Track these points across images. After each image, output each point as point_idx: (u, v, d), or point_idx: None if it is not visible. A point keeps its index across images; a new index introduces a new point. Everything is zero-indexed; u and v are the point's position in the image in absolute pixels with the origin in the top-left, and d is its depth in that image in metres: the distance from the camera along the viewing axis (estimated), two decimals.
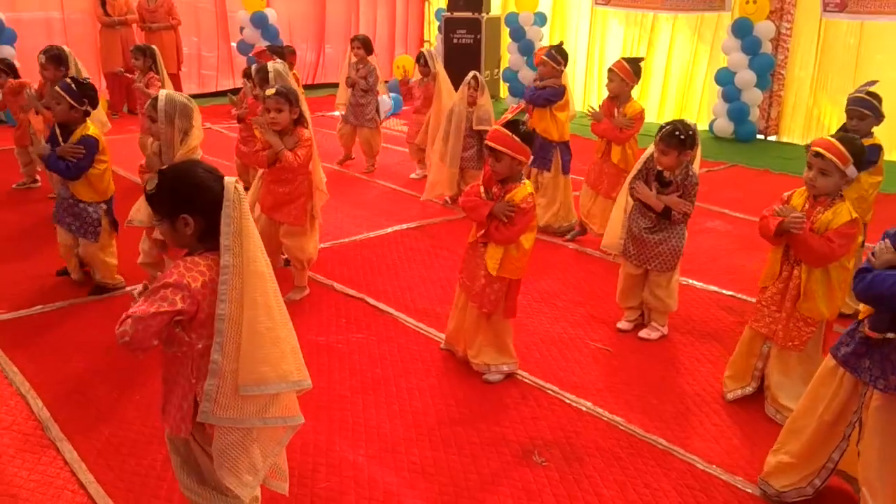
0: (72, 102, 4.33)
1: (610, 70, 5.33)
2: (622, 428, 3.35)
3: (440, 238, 5.86)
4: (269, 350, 2.20)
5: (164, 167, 2.28)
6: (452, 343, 3.95)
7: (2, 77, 6.45)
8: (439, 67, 7.05)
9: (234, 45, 11.74)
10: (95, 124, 4.63)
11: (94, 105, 4.50)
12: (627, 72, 5.23)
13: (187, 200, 2.15)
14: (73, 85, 4.38)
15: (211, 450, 2.26)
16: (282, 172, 4.32)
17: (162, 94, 4.03)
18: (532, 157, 5.64)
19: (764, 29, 8.97)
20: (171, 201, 2.17)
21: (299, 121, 4.35)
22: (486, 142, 3.50)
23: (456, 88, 6.64)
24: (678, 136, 3.88)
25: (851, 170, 3.12)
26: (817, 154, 3.13)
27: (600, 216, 5.53)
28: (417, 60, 7.31)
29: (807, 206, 3.26)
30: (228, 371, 2.15)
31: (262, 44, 9.88)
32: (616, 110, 5.33)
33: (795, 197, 3.34)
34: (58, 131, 4.45)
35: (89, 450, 3.08)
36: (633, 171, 4.14)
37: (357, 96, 7.62)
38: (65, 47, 5.92)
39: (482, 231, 3.59)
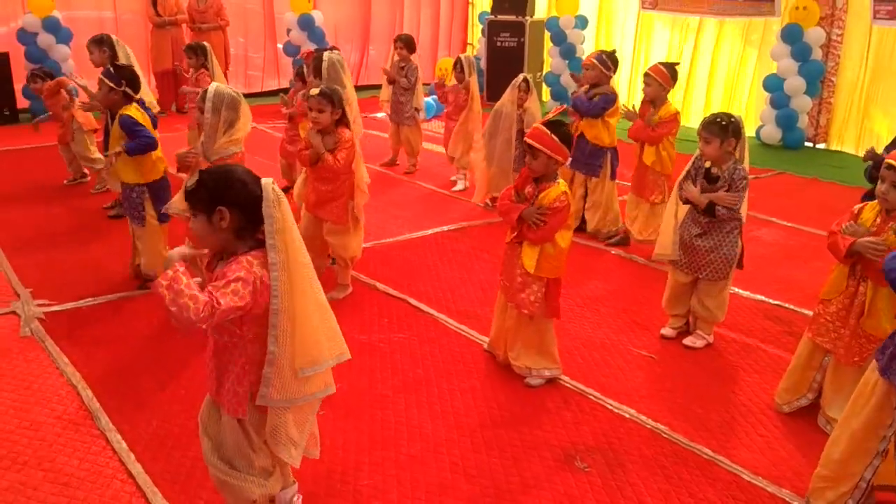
0: (111, 85, 4.46)
1: (646, 74, 5.29)
2: (666, 436, 3.30)
3: (481, 240, 5.85)
4: (318, 335, 2.41)
5: (205, 168, 2.39)
6: (494, 346, 3.94)
7: (39, 82, 6.62)
8: (473, 77, 7.00)
9: (280, 46, 11.89)
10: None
11: (134, 87, 4.56)
12: (664, 75, 5.19)
13: (225, 193, 2.27)
14: (111, 69, 4.54)
15: (250, 428, 2.45)
16: (324, 171, 4.37)
17: (212, 86, 4.11)
18: (580, 162, 5.70)
19: (814, 35, 8.80)
20: (210, 194, 2.28)
21: (341, 121, 4.38)
22: (526, 139, 3.53)
23: (498, 92, 6.62)
24: (719, 123, 3.85)
25: None
26: (890, 167, 3.00)
27: (641, 220, 5.50)
28: (455, 66, 7.31)
29: (878, 220, 3.12)
30: (284, 359, 2.33)
31: (309, 45, 10.00)
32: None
33: (866, 211, 3.20)
34: (108, 119, 4.67)
35: (137, 440, 3.14)
36: (682, 174, 4.09)
37: (397, 94, 7.67)
38: (113, 35, 6.07)
39: (515, 234, 3.60)
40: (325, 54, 5.37)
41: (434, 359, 3.96)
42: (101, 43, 5.97)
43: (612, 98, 5.60)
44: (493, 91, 10.31)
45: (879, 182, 3.08)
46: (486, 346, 4.04)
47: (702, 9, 9.84)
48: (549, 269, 3.55)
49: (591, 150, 5.67)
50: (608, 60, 5.64)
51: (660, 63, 5.40)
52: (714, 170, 3.95)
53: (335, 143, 4.32)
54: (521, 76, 6.29)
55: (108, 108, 4.63)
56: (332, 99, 4.28)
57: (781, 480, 3.03)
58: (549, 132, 3.44)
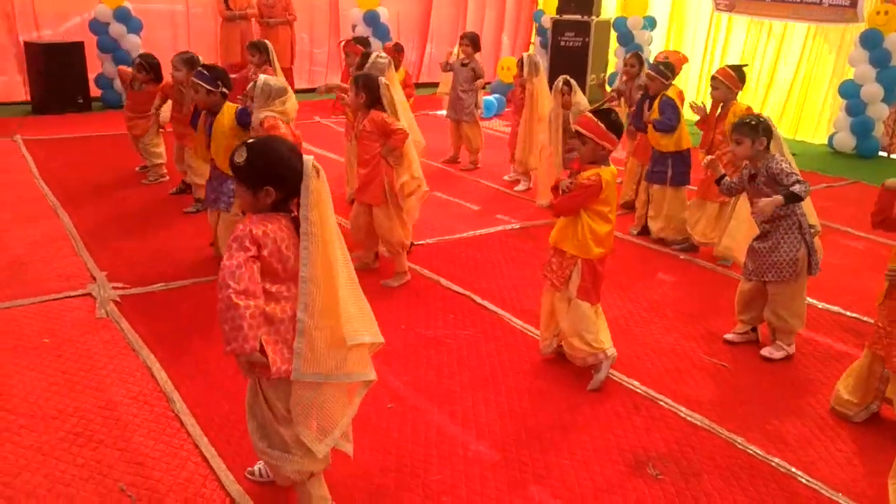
0: (208, 87, 4.60)
1: (713, 77, 5.23)
2: (741, 447, 3.21)
3: (543, 240, 5.73)
4: (349, 309, 2.44)
5: (251, 140, 2.44)
6: (542, 338, 3.92)
7: (143, 73, 6.58)
8: (537, 77, 6.89)
9: (342, 42, 11.99)
10: None
11: (229, 87, 4.72)
12: (732, 78, 5.11)
13: (272, 174, 2.36)
14: (205, 71, 4.67)
15: (274, 399, 2.48)
16: (361, 153, 4.53)
17: (260, 78, 4.35)
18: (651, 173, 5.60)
19: (894, 41, 8.49)
20: (258, 174, 2.36)
21: (373, 105, 4.48)
22: (573, 126, 3.58)
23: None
24: (749, 123, 3.91)
25: None
26: None
27: (704, 223, 5.39)
28: (518, 65, 7.25)
29: None
30: (314, 329, 2.36)
31: (374, 41, 10.05)
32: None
33: None
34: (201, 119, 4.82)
35: (210, 424, 3.18)
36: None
37: (457, 90, 7.65)
38: (200, 57, 6.15)
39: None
40: (373, 55, 5.43)
41: (500, 357, 3.93)
42: (192, 64, 5.95)
43: (676, 112, 5.43)
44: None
45: None
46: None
47: (783, 13, 9.61)
48: (576, 245, 3.54)
49: (653, 156, 5.59)
50: (665, 70, 5.56)
51: (727, 65, 5.32)
52: (752, 170, 3.98)
53: (371, 125, 4.44)
54: (560, 79, 6.20)
55: (206, 109, 4.71)
56: (356, 82, 4.47)
57: (862, 499, 2.92)
58: (595, 119, 3.47)
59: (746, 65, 5.51)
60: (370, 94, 4.45)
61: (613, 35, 11.27)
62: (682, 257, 5.50)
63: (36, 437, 3.05)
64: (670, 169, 5.54)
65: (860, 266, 5.46)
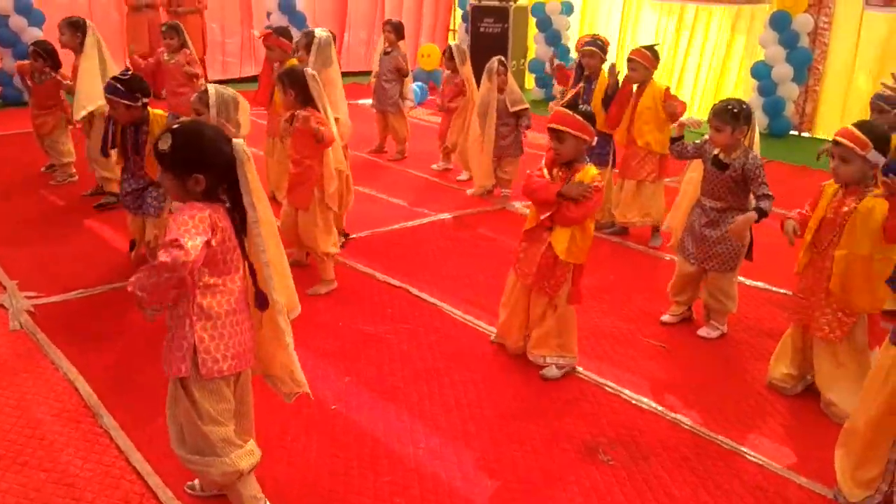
0: (126, 103, 4.21)
1: (630, 59, 5.18)
2: (687, 427, 3.25)
3: (477, 229, 5.76)
4: (289, 282, 2.69)
5: (174, 126, 2.33)
6: (504, 336, 3.85)
7: (39, 61, 6.11)
8: (466, 66, 6.84)
9: (255, 32, 11.63)
10: None
11: (148, 94, 4.33)
12: (648, 58, 5.12)
13: (201, 161, 2.26)
14: (118, 85, 4.21)
15: (197, 396, 2.36)
16: (293, 153, 4.35)
17: (211, 89, 3.91)
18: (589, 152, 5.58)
19: (802, 22, 8.81)
20: (186, 161, 2.26)
21: (306, 101, 4.23)
22: (549, 125, 3.42)
23: (478, 77, 6.51)
24: (731, 110, 3.79)
25: (873, 154, 3.09)
26: (836, 143, 3.14)
27: (626, 202, 5.38)
28: (445, 54, 7.16)
29: (839, 195, 3.25)
30: (281, 304, 2.48)
31: (292, 29, 9.77)
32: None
33: (828, 187, 3.34)
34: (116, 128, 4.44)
35: (143, 438, 3.00)
36: (688, 167, 4.06)
37: (381, 81, 7.52)
38: (89, 21, 5.85)
39: (547, 213, 3.46)
40: (317, 31, 5.24)
41: (442, 349, 3.87)
42: (76, 27, 5.74)
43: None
44: (477, 78, 10.20)
45: (830, 159, 3.23)
46: (493, 336, 3.95)
47: None
48: (576, 253, 3.48)
49: (599, 139, 5.54)
50: (601, 43, 5.61)
51: (641, 46, 5.36)
52: (723, 157, 3.89)
53: (302, 122, 4.17)
54: (495, 59, 6.20)
55: (129, 124, 4.33)
56: (282, 80, 4.28)
57: (808, 471, 2.98)
58: (570, 112, 3.37)
59: (658, 44, 5.58)
60: (300, 90, 4.21)
61: (531, 21, 11.30)
62: (614, 240, 5.55)
63: None
64: (611, 151, 5.57)
65: (783, 243, 5.61)
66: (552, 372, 3.60)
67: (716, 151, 3.93)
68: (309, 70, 4.35)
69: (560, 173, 3.47)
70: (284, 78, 4.26)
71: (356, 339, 3.92)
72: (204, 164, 2.26)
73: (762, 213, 3.71)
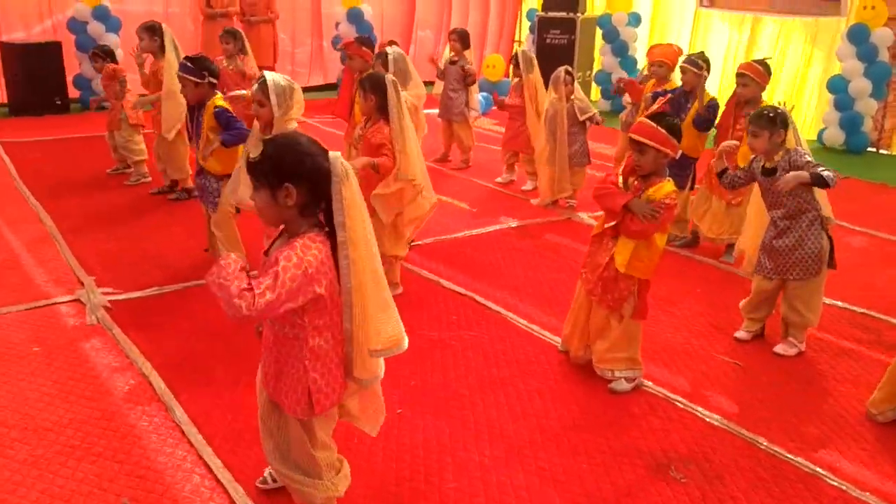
0: (195, 80, 4.43)
1: (741, 74, 4.91)
2: (763, 447, 3.13)
3: (543, 239, 5.70)
4: (391, 314, 2.32)
5: (269, 136, 2.23)
6: (568, 343, 3.79)
7: (99, 62, 6.60)
8: (533, 73, 6.75)
9: (325, 43, 11.87)
10: None
11: (216, 76, 4.56)
12: (760, 73, 4.87)
13: (292, 170, 2.12)
14: (188, 63, 4.47)
15: (314, 430, 2.37)
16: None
17: (268, 77, 4.00)
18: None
19: (881, 36, 8.51)
20: (275, 170, 2.12)
21: (383, 109, 4.20)
22: (631, 134, 3.36)
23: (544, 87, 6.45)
24: (767, 115, 3.77)
25: None
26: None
27: (711, 218, 5.25)
28: (511, 61, 7.13)
29: None
30: (361, 338, 2.26)
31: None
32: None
33: None
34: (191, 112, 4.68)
35: (214, 434, 3.04)
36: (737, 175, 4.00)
37: (448, 90, 7.54)
38: (164, 24, 6.05)
39: (612, 222, 3.41)
40: (389, 50, 5.32)
41: (507, 358, 3.82)
42: (153, 31, 5.96)
43: (715, 105, 5.25)
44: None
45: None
46: (560, 346, 3.89)
47: (762, 6, 9.59)
48: (641, 269, 3.39)
49: (680, 160, 5.34)
50: (699, 61, 5.30)
51: (753, 61, 5.05)
52: (767, 163, 3.85)
53: (372, 140, 4.21)
54: (561, 69, 6.15)
55: (196, 102, 4.55)
56: (363, 85, 4.26)
57: (892, 498, 2.85)
58: (654, 125, 3.29)
59: (770, 58, 5.32)
60: (380, 96, 4.17)
61: (598, 32, 11.21)
62: (683, 254, 5.43)
63: (30, 451, 2.90)
64: (691, 174, 5.43)
65: (862, 261, 5.43)
66: (622, 385, 3.52)
67: (761, 162, 3.88)
68: (390, 76, 4.35)
69: (636, 183, 3.40)
70: (366, 83, 4.25)
71: (421, 345, 3.91)
72: (296, 174, 2.11)
73: (819, 179, 3.54)
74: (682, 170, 5.39)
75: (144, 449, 2.95)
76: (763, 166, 3.87)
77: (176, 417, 3.13)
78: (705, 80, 5.33)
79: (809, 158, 3.71)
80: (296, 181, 2.11)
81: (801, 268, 3.83)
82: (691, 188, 5.51)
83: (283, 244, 2.19)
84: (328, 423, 2.44)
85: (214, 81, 4.54)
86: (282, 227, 2.26)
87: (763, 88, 4.95)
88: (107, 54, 6.68)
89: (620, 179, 3.44)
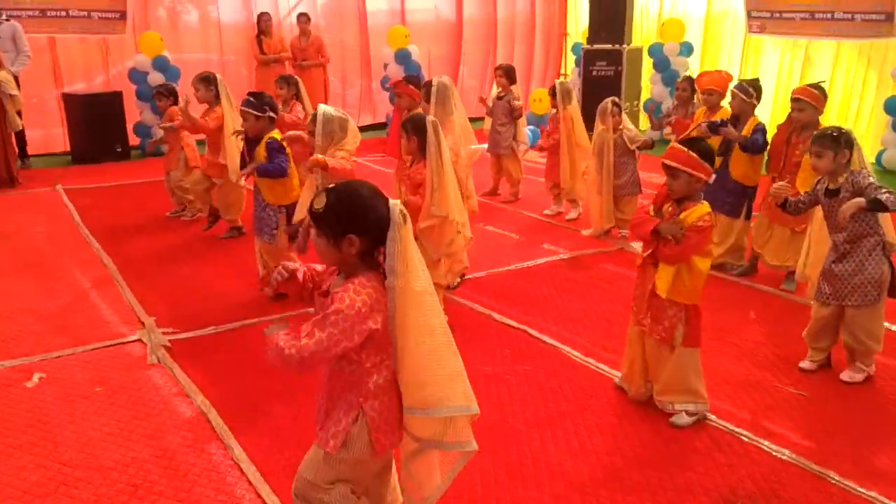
0: (256, 113, 4.69)
1: (797, 99, 4.79)
2: (834, 482, 3.00)
3: (595, 270, 5.64)
4: (433, 371, 2.19)
5: (333, 185, 2.25)
6: (627, 380, 3.71)
7: (163, 100, 6.79)
8: (571, 105, 6.78)
9: (374, 84, 12.12)
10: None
11: (276, 111, 4.83)
12: (817, 97, 4.74)
13: (356, 221, 2.14)
14: (251, 98, 4.76)
15: (340, 466, 2.29)
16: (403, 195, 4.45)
17: (320, 108, 4.39)
18: (718, 200, 5.30)
19: None
20: (340, 221, 2.14)
21: (424, 150, 4.23)
22: (663, 160, 3.33)
23: (592, 119, 6.44)
24: (831, 135, 3.70)
25: None
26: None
27: (774, 245, 5.13)
28: (549, 92, 7.16)
29: None
30: (396, 388, 2.22)
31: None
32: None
33: None
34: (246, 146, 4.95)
35: (272, 472, 3.05)
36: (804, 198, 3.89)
37: (496, 124, 7.61)
38: (218, 75, 6.27)
39: (648, 251, 3.38)
40: (434, 80, 5.40)
41: (564, 392, 3.76)
42: (209, 81, 6.15)
43: (763, 128, 5.15)
44: (589, 121, 10.16)
45: None
46: (617, 380, 3.82)
47: (814, 31, 9.44)
48: (684, 293, 3.32)
49: (734, 189, 5.30)
50: (749, 88, 5.22)
51: (807, 85, 4.94)
52: (831, 185, 3.76)
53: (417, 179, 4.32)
54: (608, 101, 6.16)
55: (254, 136, 4.80)
56: (405, 128, 4.35)
57: None
58: (686, 150, 3.27)
59: (824, 81, 5.23)
60: (422, 137, 4.23)
61: (648, 62, 11.17)
62: (742, 283, 5.30)
63: (94, 490, 2.95)
64: (747, 202, 5.34)
65: None
66: (682, 420, 3.42)
67: (825, 184, 3.80)
68: (430, 118, 4.40)
69: (670, 209, 3.38)
70: (408, 125, 4.34)
71: (476, 380, 3.82)
72: (359, 225, 2.13)
73: (877, 204, 3.40)
74: (738, 198, 5.34)
75: (205, 487, 2.97)
76: (827, 188, 3.79)
77: (234, 455, 3.15)
78: (755, 107, 5.24)
79: (872, 180, 3.60)
80: (359, 232, 2.14)
81: (859, 294, 3.71)
82: (747, 217, 5.39)
83: (339, 284, 2.21)
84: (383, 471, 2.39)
85: (274, 116, 4.79)
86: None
87: (820, 112, 4.83)
88: (170, 93, 6.87)
89: (652, 208, 3.42)
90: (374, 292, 2.14)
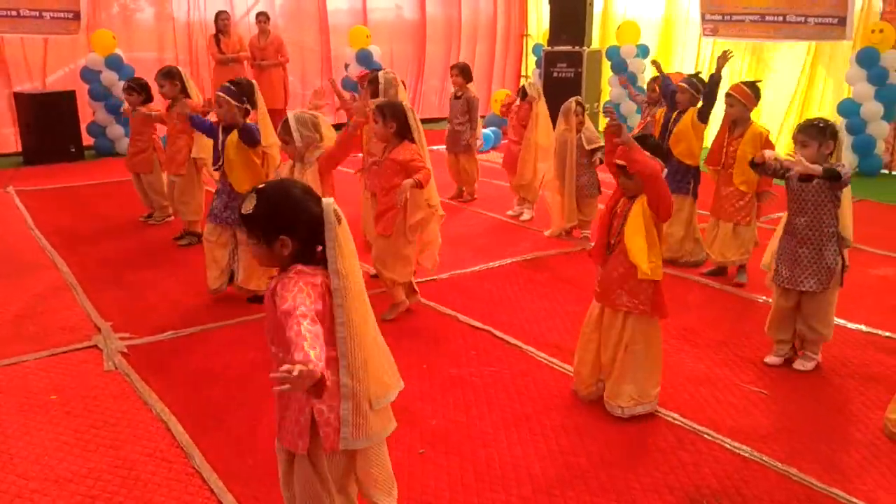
0: (235, 102, 4.62)
1: (728, 95, 5.06)
2: (797, 479, 3.04)
3: (559, 270, 5.66)
4: (382, 360, 2.28)
5: (260, 186, 2.19)
6: (578, 381, 3.71)
7: (133, 95, 6.39)
8: (541, 101, 6.84)
9: (329, 81, 11.98)
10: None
11: (253, 104, 4.74)
12: (747, 95, 4.99)
13: (287, 222, 2.10)
14: (232, 87, 4.67)
15: (323, 469, 2.24)
16: (384, 182, 4.41)
17: (289, 114, 4.30)
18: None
19: (891, 58, 8.51)
20: (271, 223, 2.10)
21: (402, 134, 4.34)
22: (615, 159, 3.36)
23: (552, 120, 6.48)
24: (817, 125, 3.78)
25: None
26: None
27: (720, 242, 5.27)
28: (519, 93, 7.18)
29: None
30: (360, 391, 2.16)
31: None
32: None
33: None
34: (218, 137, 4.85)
35: (235, 479, 2.99)
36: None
37: (453, 123, 7.60)
38: (181, 68, 6.15)
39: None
40: (380, 74, 5.36)
41: (530, 393, 3.76)
42: (172, 76, 6.03)
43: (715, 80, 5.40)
44: (551, 121, 10.25)
45: None
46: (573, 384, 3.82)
47: (767, 33, 9.63)
48: (655, 268, 3.36)
49: (678, 169, 5.51)
50: (698, 83, 5.53)
51: (741, 82, 5.20)
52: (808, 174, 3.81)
53: (402, 158, 4.30)
54: (572, 100, 6.21)
55: (227, 125, 4.71)
56: (383, 112, 4.30)
57: None
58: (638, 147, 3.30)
59: (760, 80, 5.40)
60: (400, 122, 4.31)
61: (606, 64, 11.28)
62: (702, 282, 5.37)
63: (51, 503, 2.85)
64: (692, 180, 5.54)
65: (884, 285, 5.35)
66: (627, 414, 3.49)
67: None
68: (406, 103, 4.43)
69: (623, 203, 3.44)
70: (385, 110, 4.32)
71: (442, 382, 3.86)
72: (291, 226, 2.09)
73: (832, 173, 3.59)
74: (683, 177, 5.55)
75: (166, 497, 2.89)
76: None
77: (195, 464, 3.08)
78: (696, 100, 5.51)
79: (844, 172, 3.68)
80: (290, 233, 2.10)
81: (816, 279, 3.83)
82: (694, 196, 5.59)
83: (280, 278, 2.14)
84: (343, 468, 2.32)
85: (249, 109, 4.72)
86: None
87: (749, 109, 5.04)
88: (142, 88, 6.42)
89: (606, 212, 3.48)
90: (311, 279, 2.08)
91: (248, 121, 4.70)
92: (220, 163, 4.80)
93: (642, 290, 3.40)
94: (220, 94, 4.66)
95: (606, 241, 3.52)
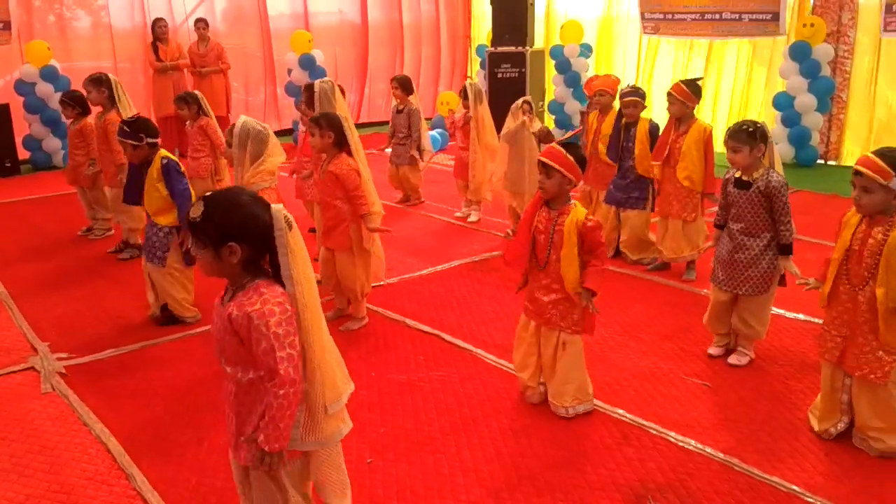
0: (133, 143, 4.43)
1: (669, 94, 5.16)
2: (738, 469, 3.11)
3: (507, 271, 5.62)
4: (334, 364, 2.33)
5: (210, 192, 2.19)
6: (521, 384, 3.73)
7: (69, 110, 6.27)
8: (482, 106, 6.85)
9: (278, 90, 11.88)
10: None
11: (153, 135, 4.52)
12: (687, 93, 5.07)
13: (235, 228, 2.09)
14: (125, 128, 4.46)
15: (280, 476, 2.27)
16: (324, 196, 4.37)
17: (240, 120, 4.21)
18: (622, 194, 5.56)
19: (822, 52, 8.76)
20: (219, 230, 2.09)
21: (339, 145, 4.30)
22: (540, 157, 3.40)
23: (502, 123, 6.50)
24: (746, 130, 3.81)
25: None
26: (857, 172, 3.05)
27: (670, 239, 5.36)
28: (461, 94, 7.20)
29: (863, 226, 3.13)
30: (315, 395, 2.21)
31: None
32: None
33: (851, 217, 3.22)
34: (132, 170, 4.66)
35: (177, 499, 2.93)
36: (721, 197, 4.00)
37: (397, 138, 7.59)
38: (111, 75, 6.02)
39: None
40: (316, 83, 5.29)
41: (479, 396, 3.77)
42: (100, 83, 5.91)
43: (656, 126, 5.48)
44: (497, 122, 10.27)
45: (852, 189, 3.13)
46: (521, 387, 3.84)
47: (706, 31, 9.82)
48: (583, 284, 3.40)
49: (637, 181, 5.54)
50: (641, 91, 5.58)
51: (681, 81, 5.29)
52: (745, 177, 3.89)
53: (339, 173, 4.26)
54: (520, 100, 6.20)
55: (139, 163, 4.55)
56: (319, 123, 4.26)
57: None
58: (563, 151, 3.35)
59: (701, 78, 5.50)
60: (337, 132, 4.26)
61: (549, 64, 11.37)
62: (647, 278, 5.45)
63: None
64: (650, 194, 5.56)
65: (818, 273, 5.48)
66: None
67: (737, 174, 3.92)
68: (343, 114, 4.39)
69: (543, 217, 3.43)
70: (322, 121, 4.27)
71: (390, 389, 3.84)
72: (238, 232, 2.08)
73: (786, 250, 3.83)
74: (642, 191, 5.59)
75: None
76: (739, 178, 3.89)
77: (137, 485, 3.01)
78: (643, 108, 5.56)
79: (783, 192, 3.79)
80: (239, 240, 2.09)
81: (751, 284, 3.90)
82: (652, 209, 5.63)
83: (232, 299, 2.14)
84: (299, 478, 2.34)
85: (154, 142, 4.50)
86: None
87: (688, 107, 5.11)
88: (77, 102, 6.27)
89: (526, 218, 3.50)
90: (278, 297, 2.10)
91: (164, 153, 4.52)
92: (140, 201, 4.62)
93: (576, 311, 3.45)
94: (119, 137, 4.50)
95: (531, 254, 3.51)
